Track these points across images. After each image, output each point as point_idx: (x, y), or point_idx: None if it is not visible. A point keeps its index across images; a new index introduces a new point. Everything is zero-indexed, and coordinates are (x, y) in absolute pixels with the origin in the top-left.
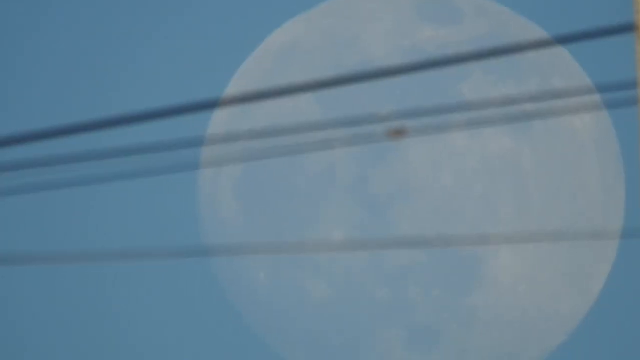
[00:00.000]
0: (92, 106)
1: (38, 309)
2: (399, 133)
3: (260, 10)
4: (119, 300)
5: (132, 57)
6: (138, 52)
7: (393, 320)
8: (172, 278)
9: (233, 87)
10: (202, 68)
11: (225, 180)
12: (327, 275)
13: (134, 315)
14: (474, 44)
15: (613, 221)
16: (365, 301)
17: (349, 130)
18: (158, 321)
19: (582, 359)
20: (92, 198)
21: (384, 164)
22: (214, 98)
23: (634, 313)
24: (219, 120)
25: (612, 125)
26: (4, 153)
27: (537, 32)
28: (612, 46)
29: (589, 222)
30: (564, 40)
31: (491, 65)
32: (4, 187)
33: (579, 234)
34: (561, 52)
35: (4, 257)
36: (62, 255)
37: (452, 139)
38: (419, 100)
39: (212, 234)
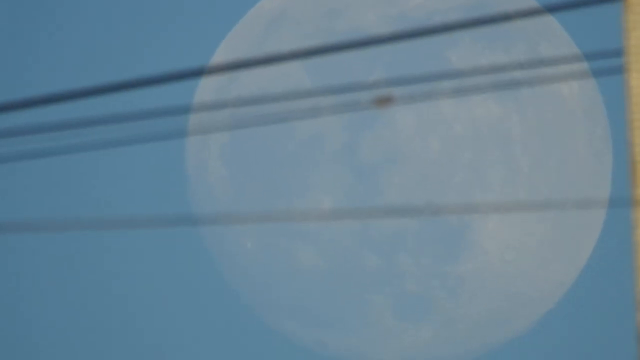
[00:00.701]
0: (79, 74)
1: (24, 277)
2: (386, 101)
3: None
4: (107, 268)
5: (118, 25)
6: (124, 20)
7: (382, 288)
8: (159, 246)
9: (220, 55)
10: (189, 35)
11: (212, 147)
12: (316, 243)
13: (122, 283)
14: (462, 11)
15: (601, 188)
16: (354, 269)
17: (336, 98)
18: (145, 289)
19: (570, 326)
20: (79, 166)
21: (373, 131)
22: (201, 66)
23: (621, 280)
24: (206, 88)
25: (600, 93)
26: None
27: (526, 0)
28: (600, 15)
29: (577, 189)
30: (552, 8)
31: (479, 33)
32: None
33: (567, 203)
34: (549, 20)
35: None
36: (50, 223)
37: (439, 106)
38: (407, 68)
39: (199, 201)
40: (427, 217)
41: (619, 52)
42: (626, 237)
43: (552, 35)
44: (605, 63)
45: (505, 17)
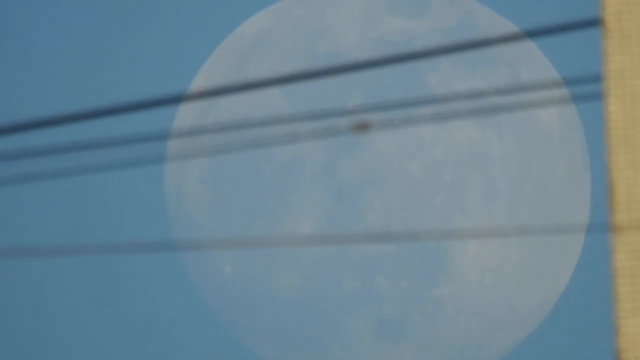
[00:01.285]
0: (57, 101)
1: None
2: (363, 127)
3: (230, 2)
4: (88, 293)
5: (100, 50)
6: (104, 47)
7: (361, 311)
8: (139, 271)
9: (200, 80)
10: (168, 61)
11: (192, 173)
12: (295, 266)
13: (102, 307)
14: (441, 36)
15: (579, 213)
16: (333, 292)
17: (315, 123)
18: (125, 314)
19: (548, 351)
20: (59, 191)
21: (352, 154)
22: (180, 92)
23: (599, 306)
24: (186, 114)
25: (579, 117)
26: None
27: (506, 25)
28: (580, 40)
29: (555, 214)
30: (532, 33)
31: (459, 57)
32: None
33: (546, 228)
34: (529, 45)
35: None
36: (30, 249)
37: (419, 130)
38: (387, 92)
39: (179, 227)
40: (406, 242)
41: (597, 78)
42: (605, 262)
43: (532, 60)
44: (584, 88)
45: (486, 42)
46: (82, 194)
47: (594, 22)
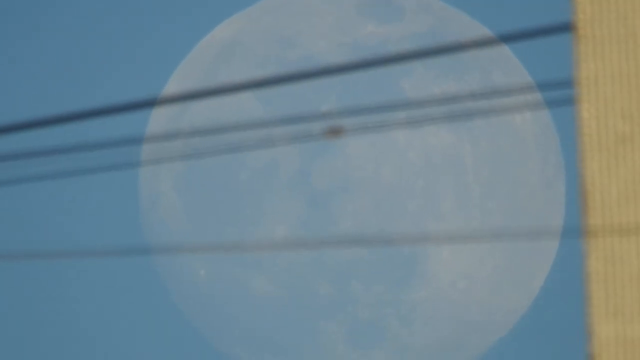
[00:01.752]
0: (29, 104)
1: None
2: (337, 132)
3: (200, 7)
4: (60, 299)
5: (70, 56)
6: (76, 51)
7: (334, 315)
8: (112, 276)
9: (172, 85)
10: (141, 65)
11: (165, 178)
12: (269, 270)
13: (75, 313)
14: (415, 41)
15: (553, 217)
16: (306, 296)
17: (289, 128)
18: (98, 319)
19: (521, 354)
20: (31, 196)
21: (326, 159)
22: (153, 96)
23: (573, 309)
24: (159, 118)
25: (553, 122)
26: None
27: (479, 29)
28: (554, 45)
29: (529, 218)
30: (504, 38)
31: (432, 62)
32: None
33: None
34: (503, 50)
35: None
36: (3, 253)
37: (393, 135)
38: (360, 97)
39: (153, 232)
40: (379, 246)
41: (571, 83)
42: (579, 264)
43: (506, 65)
44: (558, 93)
45: (459, 47)
46: (54, 198)
47: (566, 27)
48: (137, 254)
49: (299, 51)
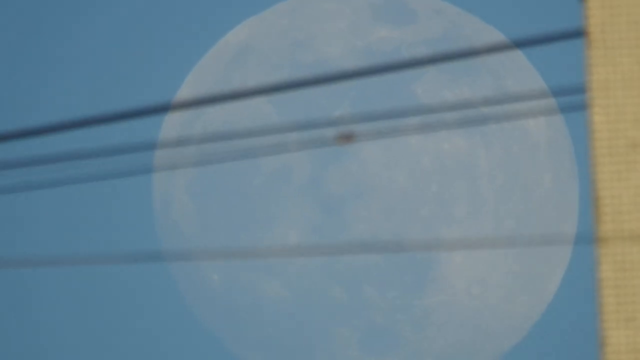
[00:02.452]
0: (45, 109)
1: None
2: (348, 138)
3: (214, 11)
4: (76, 305)
5: (86, 58)
6: (92, 53)
7: (348, 321)
8: (126, 282)
9: (186, 89)
10: (154, 70)
11: (179, 183)
12: (282, 276)
13: (90, 318)
14: (428, 45)
15: (566, 222)
16: (320, 302)
17: (301, 133)
18: (114, 325)
19: None
20: (46, 202)
21: (339, 165)
22: (167, 101)
23: (586, 316)
24: (172, 124)
25: (566, 127)
26: None
27: (493, 34)
28: (566, 50)
29: (542, 224)
30: (517, 43)
31: (446, 66)
32: None
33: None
34: (516, 55)
35: None
36: (17, 259)
37: (406, 140)
38: (373, 102)
39: (166, 237)
40: (393, 252)
41: (582, 88)
42: (592, 269)
43: (518, 70)
44: (571, 98)
45: (473, 51)
46: (68, 204)
47: (578, 33)
48: (150, 260)
49: (312, 56)
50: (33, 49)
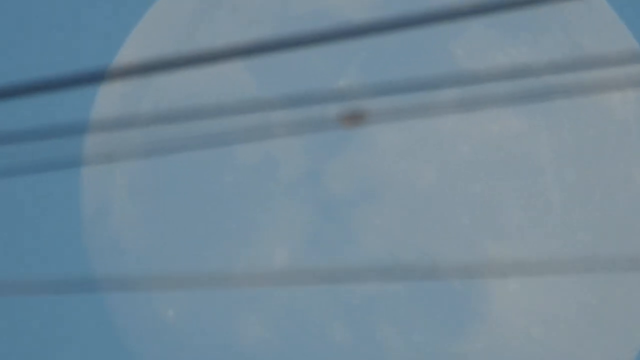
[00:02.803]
0: None
1: None
2: (357, 118)
3: None
4: None
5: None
6: (8, 16)
7: None
8: (55, 315)
9: (130, 49)
10: (84, 22)
11: (118, 181)
12: (263, 310)
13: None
14: None
15: None
16: (317, 346)
17: (292, 112)
18: None
19: None
20: None
21: (344, 155)
22: (102, 66)
23: None
24: (109, 98)
25: None
26: None
27: None
28: None
29: (630, 239)
30: None
31: (496, 19)
32: None
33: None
34: (599, 2)
35: None
36: None
37: (437, 120)
38: (391, 68)
39: (101, 258)
40: (419, 278)
41: None
42: None
43: (600, 23)
44: None
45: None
46: None
47: None
48: (78, 290)
49: (307, 4)
50: None
